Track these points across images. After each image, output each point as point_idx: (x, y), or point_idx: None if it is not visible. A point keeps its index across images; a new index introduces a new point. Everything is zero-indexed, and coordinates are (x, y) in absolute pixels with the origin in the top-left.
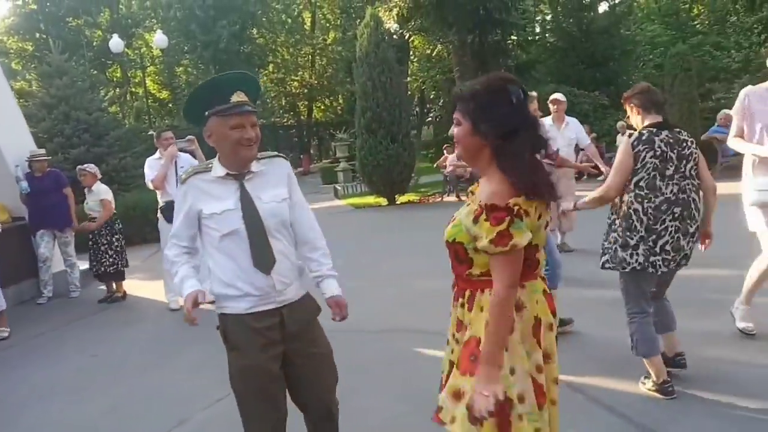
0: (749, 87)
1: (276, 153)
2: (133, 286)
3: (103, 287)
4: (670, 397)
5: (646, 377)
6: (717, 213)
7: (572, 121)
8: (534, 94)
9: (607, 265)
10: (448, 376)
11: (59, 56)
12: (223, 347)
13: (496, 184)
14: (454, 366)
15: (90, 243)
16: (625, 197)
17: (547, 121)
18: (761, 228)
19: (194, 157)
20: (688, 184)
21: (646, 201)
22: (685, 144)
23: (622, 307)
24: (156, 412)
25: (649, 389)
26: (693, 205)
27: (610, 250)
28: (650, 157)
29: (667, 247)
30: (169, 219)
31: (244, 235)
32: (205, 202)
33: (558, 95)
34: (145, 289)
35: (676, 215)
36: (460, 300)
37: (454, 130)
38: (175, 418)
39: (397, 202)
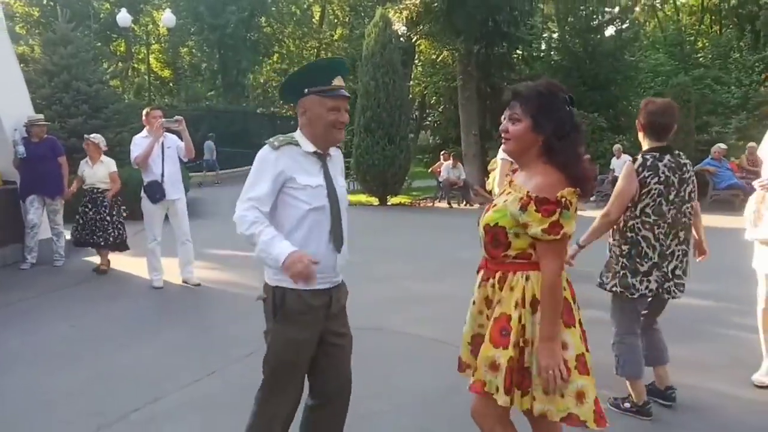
0: None
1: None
2: (118, 261)
3: (87, 259)
4: (649, 418)
5: (623, 399)
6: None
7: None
8: None
9: (613, 289)
10: (469, 353)
11: (65, 25)
12: (204, 329)
13: (545, 178)
14: (486, 340)
15: (92, 214)
16: (630, 223)
17: None
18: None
19: (180, 138)
20: (687, 208)
21: (656, 227)
22: (685, 167)
23: (597, 327)
24: (132, 387)
25: (627, 410)
26: (691, 228)
27: (618, 275)
28: (655, 183)
29: (678, 272)
30: (153, 199)
31: (328, 212)
32: (298, 172)
33: None
34: (131, 265)
35: (681, 239)
36: (491, 280)
37: (508, 125)
38: (150, 395)
39: (389, 203)
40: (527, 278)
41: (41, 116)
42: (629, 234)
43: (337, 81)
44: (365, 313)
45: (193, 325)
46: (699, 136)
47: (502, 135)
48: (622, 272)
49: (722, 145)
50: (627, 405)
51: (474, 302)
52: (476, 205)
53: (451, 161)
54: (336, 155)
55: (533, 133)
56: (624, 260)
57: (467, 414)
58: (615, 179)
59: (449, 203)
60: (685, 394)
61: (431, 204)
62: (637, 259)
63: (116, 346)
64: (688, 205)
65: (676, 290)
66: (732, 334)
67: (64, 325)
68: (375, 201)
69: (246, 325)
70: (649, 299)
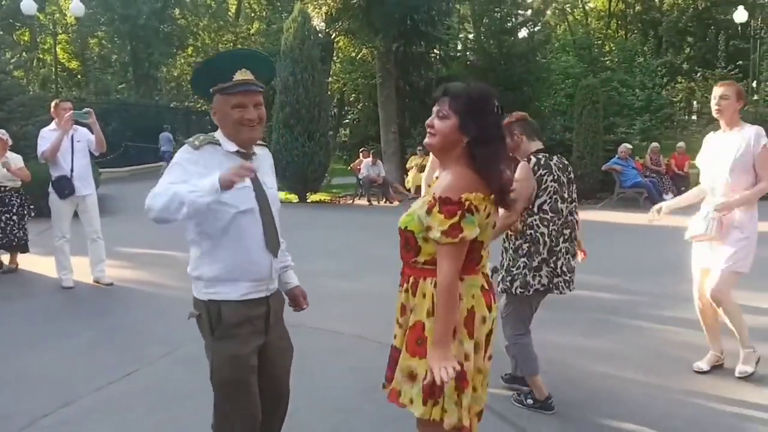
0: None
1: (262, 142)
2: (24, 260)
3: None
4: (552, 412)
5: (526, 395)
6: (610, 239)
7: None
8: None
9: (518, 291)
10: (395, 360)
11: None
12: (118, 329)
13: (454, 180)
14: (403, 349)
15: (7, 212)
16: (529, 220)
17: None
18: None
19: (91, 131)
20: (574, 207)
21: (551, 224)
22: (569, 169)
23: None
24: (42, 391)
25: (530, 406)
26: (576, 227)
27: (519, 276)
28: (551, 181)
29: (564, 268)
30: (61, 194)
31: (258, 214)
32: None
33: None
34: (38, 265)
35: (566, 237)
36: (405, 285)
37: (434, 120)
38: (61, 398)
39: (308, 201)
40: (436, 285)
41: None
42: (528, 231)
43: (241, 75)
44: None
45: (106, 325)
46: (606, 136)
47: (428, 129)
48: (523, 272)
49: (628, 145)
50: (530, 401)
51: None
52: (396, 203)
53: (370, 158)
54: (263, 154)
55: (458, 132)
56: (524, 259)
57: (386, 411)
58: None
59: (369, 200)
60: (598, 383)
61: (351, 201)
62: (531, 255)
63: (24, 348)
64: (574, 204)
65: (564, 286)
66: (636, 326)
67: None
68: (294, 198)
69: (161, 324)
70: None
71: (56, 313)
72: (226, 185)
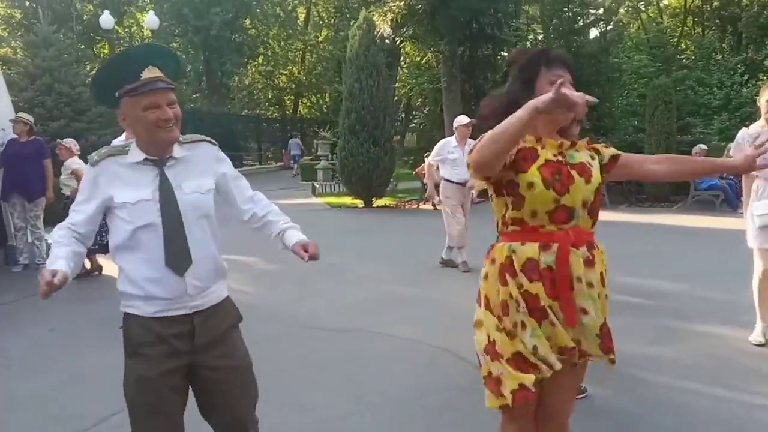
0: (744, 129)
1: (202, 137)
2: (104, 264)
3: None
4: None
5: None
6: (684, 243)
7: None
8: (466, 120)
9: None
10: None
11: (47, 27)
12: None
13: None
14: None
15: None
16: None
17: (452, 142)
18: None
19: None
20: None
21: None
22: None
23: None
24: (106, 392)
25: None
26: None
27: None
28: None
29: None
30: None
31: (159, 229)
32: (117, 188)
33: (462, 118)
34: (113, 268)
35: None
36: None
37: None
38: (120, 403)
39: (373, 205)
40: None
41: (29, 117)
42: None
43: (148, 73)
44: (341, 314)
45: None
46: (682, 137)
47: (582, 101)
48: None
49: (702, 146)
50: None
51: (591, 283)
52: None
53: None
54: (192, 155)
55: None
56: None
57: (441, 414)
58: None
59: (434, 205)
60: (662, 393)
61: (416, 206)
62: None
63: (95, 349)
64: None
65: None
66: (705, 333)
67: (43, 328)
68: (360, 203)
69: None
70: None
71: None
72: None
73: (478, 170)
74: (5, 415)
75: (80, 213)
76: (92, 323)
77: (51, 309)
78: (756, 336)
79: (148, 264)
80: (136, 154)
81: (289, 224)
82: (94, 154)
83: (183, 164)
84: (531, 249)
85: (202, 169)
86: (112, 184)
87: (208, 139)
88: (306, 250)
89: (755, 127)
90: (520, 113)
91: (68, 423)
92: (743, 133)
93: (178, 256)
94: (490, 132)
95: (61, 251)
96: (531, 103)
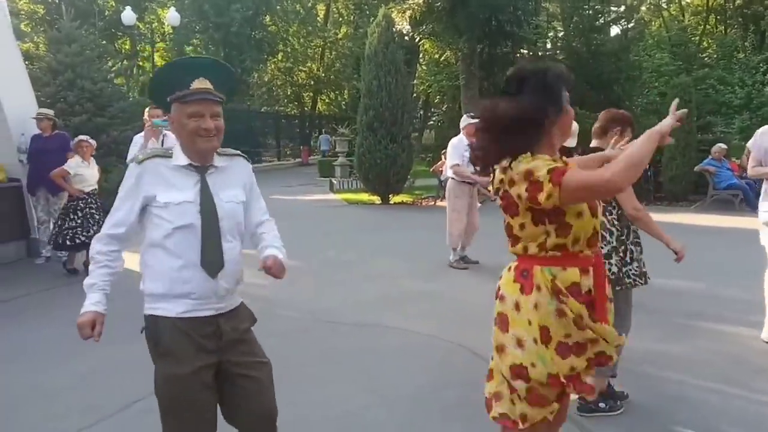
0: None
1: (238, 152)
2: (130, 259)
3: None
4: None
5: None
6: (701, 242)
7: None
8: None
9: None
10: None
11: (70, 23)
12: None
13: None
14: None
15: (80, 213)
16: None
17: (464, 140)
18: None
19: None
20: None
21: (615, 210)
22: None
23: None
24: (131, 380)
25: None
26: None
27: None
28: None
29: (633, 257)
30: None
31: (197, 231)
32: (161, 188)
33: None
34: (133, 262)
35: (633, 228)
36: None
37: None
38: (150, 387)
39: (391, 202)
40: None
41: (50, 111)
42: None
43: (198, 83)
44: (358, 309)
45: None
46: (703, 136)
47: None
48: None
49: (722, 145)
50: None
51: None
52: (478, 204)
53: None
54: (230, 165)
55: None
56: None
57: (456, 408)
58: None
59: (488, 193)
60: (674, 390)
61: (433, 203)
62: (603, 244)
63: (117, 340)
64: None
65: (636, 277)
66: (719, 331)
67: (64, 320)
68: (377, 200)
69: None
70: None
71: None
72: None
73: (613, 194)
74: (27, 403)
75: (121, 210)
76: (112, 317)
77: (72, 301)
78: (766, 333)
79: (182, 263)
80: (181, 158)
81: (276, 245)
82: (140, 154)
83: (222, 174)
84: (573, 273)
85: (236, 182)
86: (156, 183)
87: (243, 155)
88: (268, 264)
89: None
90: (651, 140)
91: (91, 411)
92: (763, 131)
93: (213, 259)
94: (625, 157)
95: (97, 274)
96: (656, 130)
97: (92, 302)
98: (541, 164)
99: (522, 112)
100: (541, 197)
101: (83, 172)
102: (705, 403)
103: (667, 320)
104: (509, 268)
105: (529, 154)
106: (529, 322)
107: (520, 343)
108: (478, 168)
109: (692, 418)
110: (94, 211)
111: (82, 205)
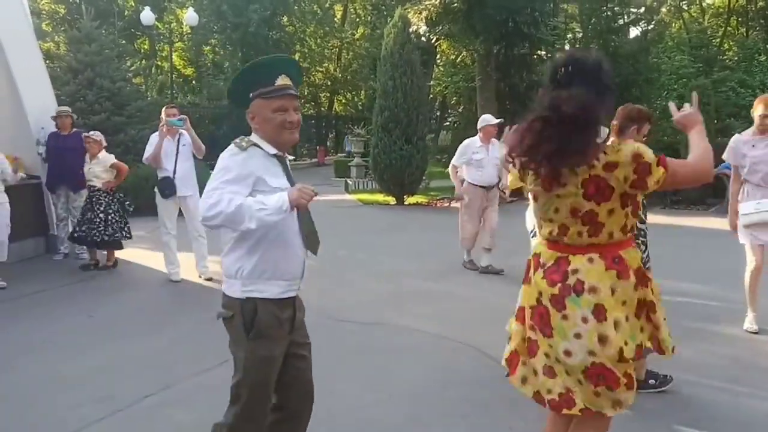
0: (737, 135)
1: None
2: (137, 254)
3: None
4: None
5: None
6: (715, 246)
7: (498, 143)
8: (494, 120)
9: None
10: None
11: (90, 23)
12: (213, 322)
13: None
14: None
15: (95, 210)
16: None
17: (476, 142)
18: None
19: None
20: None
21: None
22: None
23: None
24: (144, 374)
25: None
26: None
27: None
28: None
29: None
30: (163, 194)
31: (294, 215)
32: (267, 174)
33: (489, 118)
34: (149, 259)
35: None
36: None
37: None
38: (161, 382)
39: (405, 203)
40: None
41: (67, 108)
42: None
43: (282, 80)
44: (367, 307)
45: (206, 317)
46: (721, 139)
47: None
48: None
49: None
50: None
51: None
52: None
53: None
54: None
55: None
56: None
57: (460, 406)
58: None
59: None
60: (682, 391)
61: (448, 204)
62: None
63: (131, 336)
64: None
65: None
66: (729, 335)
67: (82, 315)
68: (392, 200)
69: None
70: None
71: (162, 304)
72: (300, 207)
73: (703, 182)
74: (45, 394)
75: (237, 194)
76: (128, 312)
77: (89, 297)
78: (748, 323)
79: (284, 246)
80: (270, 148)
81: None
82: (239, 140)
83: (288, 165)
84: (636, 252)
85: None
86: (263, 168)
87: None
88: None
89: (747, 135)
90: (701, 134)
91: (104, 403)
92: (737, 139)
93: (313, 238)
94: (703, 152)
95: (255, 198)
96: (694, 122)
97: (279, 193)
98: (645, 148)
99: (601, 106)
100: (650, 180)
101: (91, 167)
102: (712, 403)
103: (678, 322)
104: (580, 260)
105: (616, 141)
106: (624, 303)
107: (617, 326)
108: (538, 164)
109: (701, 419)
110: (97, 209)
111: (87, 203)
